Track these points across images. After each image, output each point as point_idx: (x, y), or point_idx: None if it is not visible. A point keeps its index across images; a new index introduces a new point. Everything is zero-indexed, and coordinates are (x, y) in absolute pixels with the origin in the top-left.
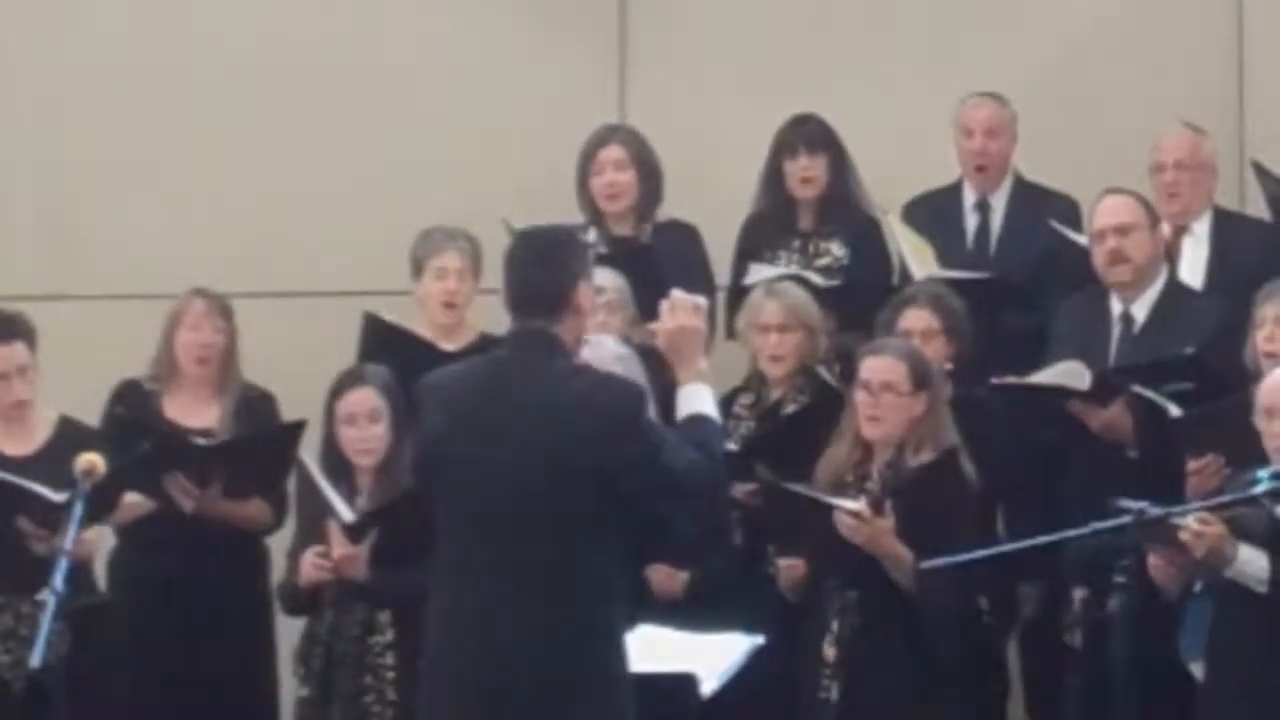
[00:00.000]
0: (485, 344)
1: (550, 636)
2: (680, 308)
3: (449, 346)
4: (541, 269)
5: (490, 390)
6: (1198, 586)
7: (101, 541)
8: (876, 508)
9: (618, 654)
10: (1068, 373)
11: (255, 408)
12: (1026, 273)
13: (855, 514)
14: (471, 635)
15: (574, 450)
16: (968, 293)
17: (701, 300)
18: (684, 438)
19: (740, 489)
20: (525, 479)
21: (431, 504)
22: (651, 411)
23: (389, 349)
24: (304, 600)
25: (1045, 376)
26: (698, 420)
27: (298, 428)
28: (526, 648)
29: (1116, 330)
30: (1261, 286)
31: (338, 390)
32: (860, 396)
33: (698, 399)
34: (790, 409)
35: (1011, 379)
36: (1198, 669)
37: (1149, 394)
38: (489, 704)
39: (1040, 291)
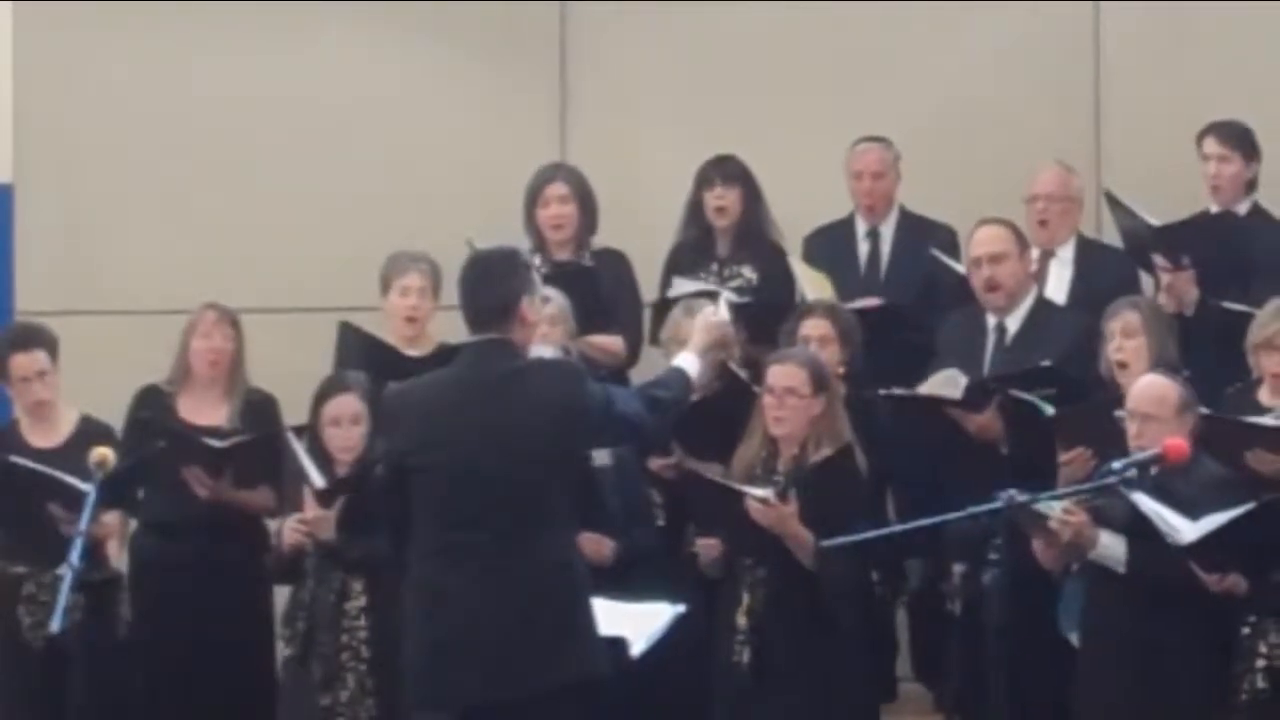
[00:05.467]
0: (444, 352)
1: (523, 602)
2: (712, 318)
3: (413, 352)
4: (487, 286)
5: (453, 401)
6: (1075, 566)
7: (126, 527)
8: (781, 496)
9: (573, 624)
10: (946, 380)
11: (258, 408)
12: (913, 294)
13: (763, 500)
14: (445, 608)
15: (536, 432)
16: (862, 319)
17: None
18: (643, 386)
19: (656, 463)
20: (489, 476)
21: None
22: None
23: (361, 353)
24: (287, 565)
25: (927, 385)
26: (670, 371)
27: (298, 431)
28: (492, 619)
29: (991, 341)
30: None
31: (324, 395)
32: (767, 400)
33: (681, 360)
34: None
35: (897, 390)
36: (1075, 639)
37: (1024, 396)
38: (462, 665)
39: (926, 311)
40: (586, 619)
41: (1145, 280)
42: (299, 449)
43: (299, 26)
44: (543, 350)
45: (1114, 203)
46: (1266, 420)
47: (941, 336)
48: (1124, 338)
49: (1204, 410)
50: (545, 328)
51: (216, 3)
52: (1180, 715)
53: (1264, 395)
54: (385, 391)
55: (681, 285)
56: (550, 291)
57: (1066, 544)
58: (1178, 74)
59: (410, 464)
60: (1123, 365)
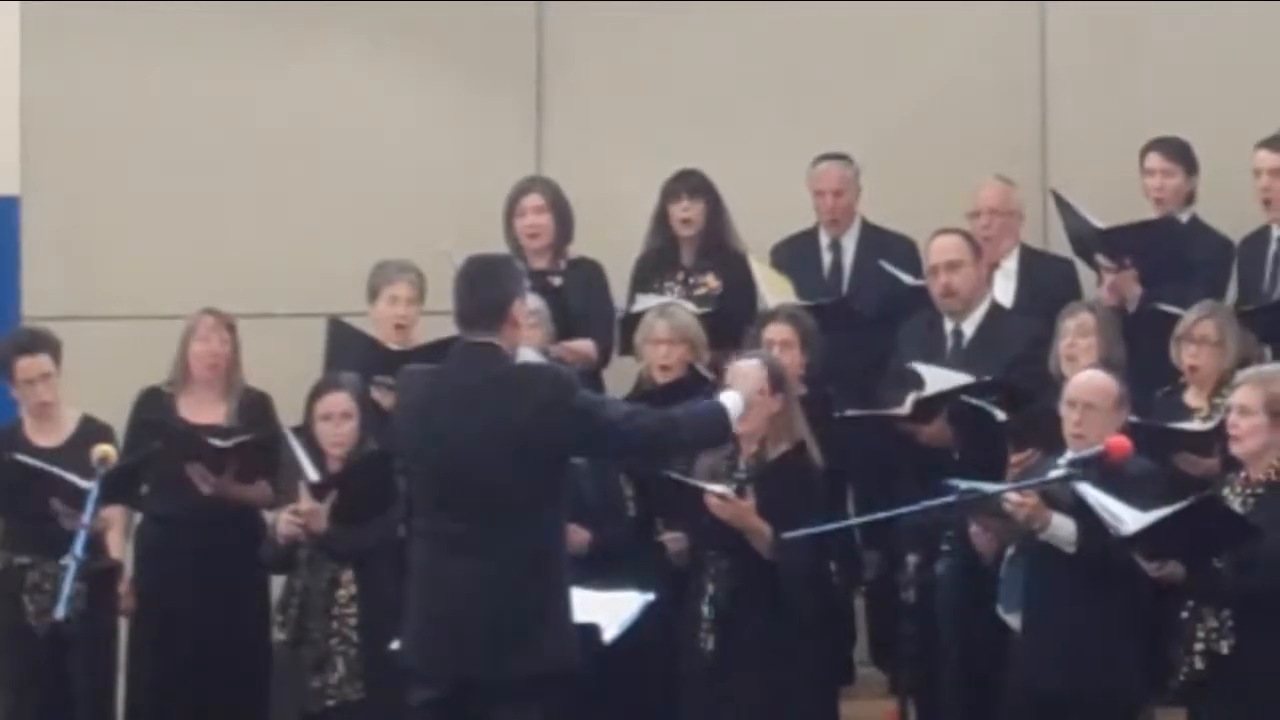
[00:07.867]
0: (436, 345)
1: (500, 591)
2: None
3: (396, 347)
4: (484, 288)
5: (441, 399)
6: (1010, 551)
7: (130, 520)
8: (739, 491)
9: (556, 606)
10: (942, 375)
11: (254, 406)
12: (875, 307)
13: (721, 496)
14: (430, 588)
15: (521, 433)
16: (816, 315)
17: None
18: (677, 409)
19: None
20: (469, 473)
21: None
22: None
23: (350, 347)
24: (281, 556)
25: (935, 378)
26: (709, 402)
27: (296, 430)
28: (481, 600)
29: (949, 344)
30: (1059, 311)
31: (317, 392)
32: None
33: (727, 397)
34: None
35: (853, 411)
36: (1014, 620)
37: (977, 402)
38: (442, 644)
39: (888, 323)
40: (562, 612)
41: (1086, 285)
42: (296, 446)
43: (296, 43)
44: (523, 352)
45: (1061, 204)
46: (1191, 425)
47: (901, 339)
48: (1077, 335)
49: (1133, 419)
50: (526, 331)
51: (213, 13)
52: (1116, 695)
53: (1190, 397)
54: (397, 372)
55: (644, 300)
56: (531, 298)
57: (1020, 525)
58: (1122, 86)
59: (404, 449)
60: (1072, 359)
